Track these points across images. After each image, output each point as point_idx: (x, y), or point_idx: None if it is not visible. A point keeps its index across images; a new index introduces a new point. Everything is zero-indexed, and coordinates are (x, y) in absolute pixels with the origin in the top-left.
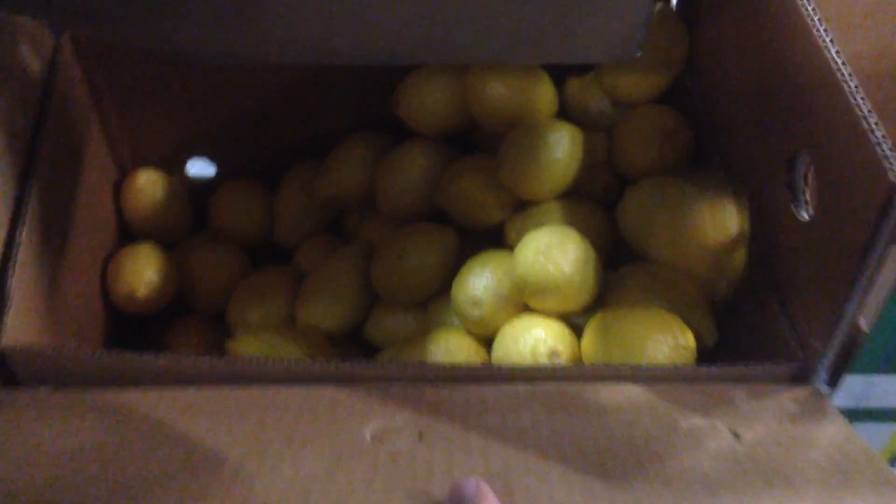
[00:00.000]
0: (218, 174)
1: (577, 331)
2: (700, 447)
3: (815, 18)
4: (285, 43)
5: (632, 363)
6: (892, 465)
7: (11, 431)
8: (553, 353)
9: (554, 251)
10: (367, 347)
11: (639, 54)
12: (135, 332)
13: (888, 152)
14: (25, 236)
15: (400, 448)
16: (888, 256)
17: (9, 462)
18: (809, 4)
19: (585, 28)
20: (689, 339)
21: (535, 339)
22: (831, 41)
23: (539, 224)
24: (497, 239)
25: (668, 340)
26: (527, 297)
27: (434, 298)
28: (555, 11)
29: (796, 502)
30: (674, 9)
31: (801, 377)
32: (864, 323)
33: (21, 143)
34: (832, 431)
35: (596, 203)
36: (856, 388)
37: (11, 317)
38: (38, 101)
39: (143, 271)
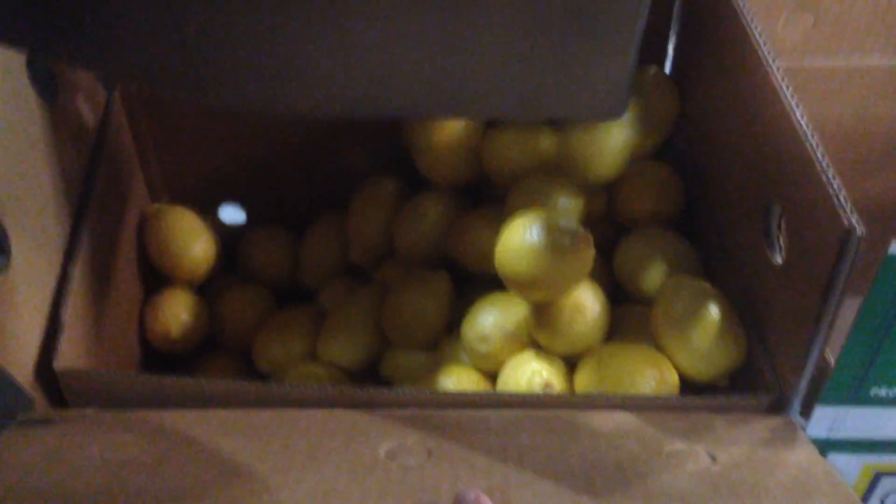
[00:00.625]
0: (248, 220)
1: (571, 366)
2: (680, 468)
3: (784, 86)
4: (313, 98)
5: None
6: (869, 493)
7: (65, 443)
8: (547, 385)
9: (583, 307)
10: (382, 383)
11: (622, 116)
12: (166, 364)
13: (843, 202)
14: (78, 270)
15: (410, 464)
16: (846, 295)
17: (64, 469)
18: (778, 73)
19: (577, 89)
20: (673, 377)
21: (531, 371)
22: (797, 105)
23: None
24: (501, 282)
25: (655, 376)
26: (545, 341)
27: (445, 337)
28: (550, 72)
29: None
30: (667, 73)
31: (777, 408)
32: (830, 356)
33: (75, 186)
34: (800, 455)
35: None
36: (827, 419)
37: (64, 341)
38: (91, 149)
39: (179, 314)
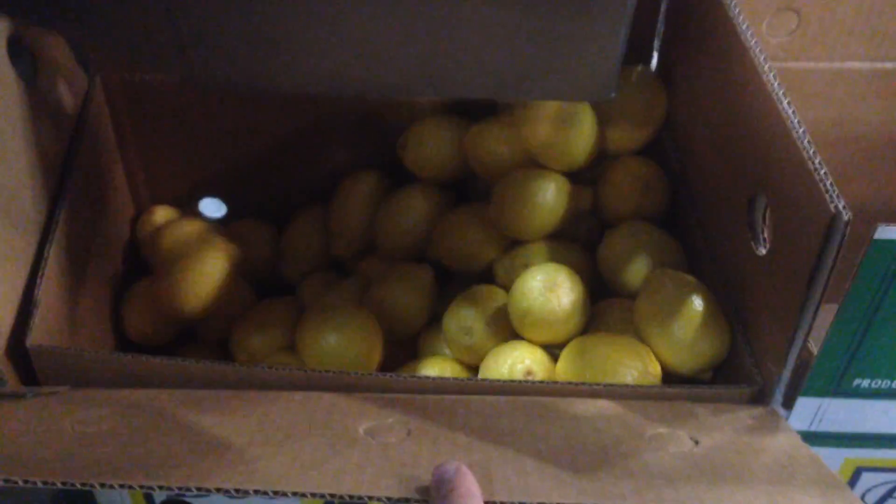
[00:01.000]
0: (229, 213)
1: (554, 356)
2: (663, 450)
3: (771, 75)
4: (301, 74)
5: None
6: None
7: (35, 416)
8: (528, 373)
9: (557, 288)
10: None
11: (613, 95)
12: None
13: (829, 187)
14: (53, 253)
15: (390, 441)
16: (830, 284)
17: (33, 441)
18: (766, 64)
19: (566, 70)
20: (656, 368)
21: (513, 358)
22: (783, 94)
23: (525, 263)
24: (482, 275)
25: (637, 366)
26: (524, 329)
27: (424, 330)
28: (539, 53)
29: (745, 492)
30: (654, 71)
31: (759, 399)
32: (812, 346)
33: (53, 171)
34: (783, 440)
35: (579, 244)
36: (809, 411)
37: (37, 320)
38: (71, 135)
39: (153, 312)
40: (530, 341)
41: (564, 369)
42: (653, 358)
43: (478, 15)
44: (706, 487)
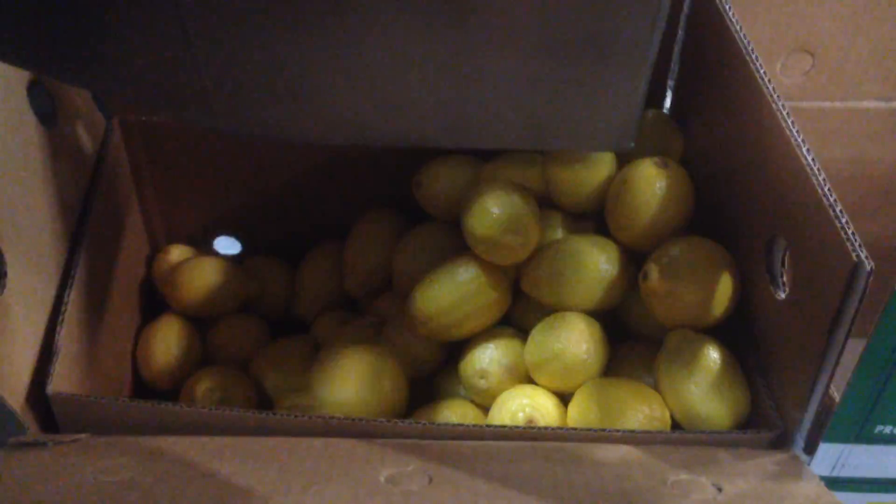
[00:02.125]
0: (243, 251)
1: (565, 400)
2: (686, 497)
3: (790, 121)
4: (322, 124)
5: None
6: None
7: (57, 465)
8: (530, 421)
9: (575, 336)
10: None
11: (632, 146)
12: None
13: (851, 235)
14: (73, 296)
15: (412, 489)
16: (853, 331)
17: (55, 490)
18: (784, 110)
19: (586, 120)
20: (664, 413)
21: (516, 406)
22: (802, 141)
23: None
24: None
25: (643, 410)
26: (538, 376)
27: (440, 371)
28: (559, 104)
29: None
30: (666, 112)
31: (780, 444)
32: (835, 392)
33: (72, 212)
34: (807, 488)
35: None
36: (832, 457)
37: (57, 367)
38: (90, 178)
39: (171, 350)
40: (544, 387)
41: (574, 413)
42: (661, 403)
43: (498, 66)
44: None
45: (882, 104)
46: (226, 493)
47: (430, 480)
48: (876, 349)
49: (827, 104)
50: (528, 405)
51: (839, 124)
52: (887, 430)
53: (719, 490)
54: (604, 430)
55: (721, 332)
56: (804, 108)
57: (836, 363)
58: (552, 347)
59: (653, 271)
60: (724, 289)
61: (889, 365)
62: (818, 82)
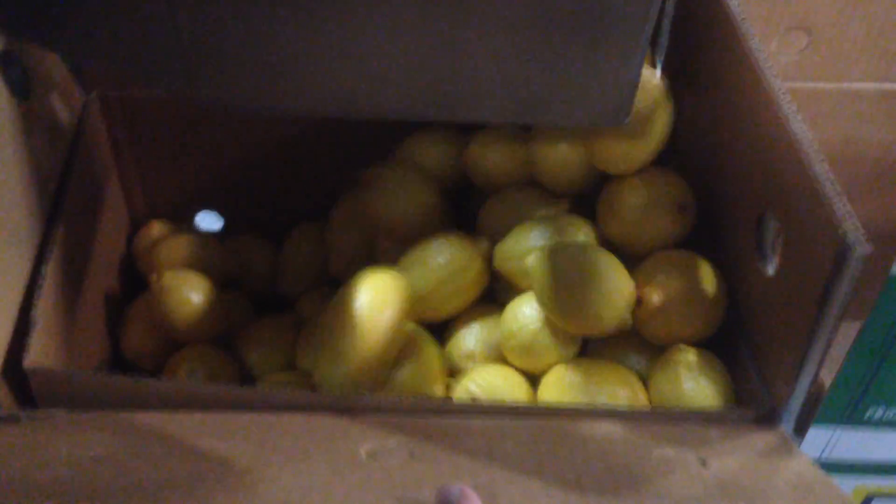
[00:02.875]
0: (226, 228)
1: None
2: (672, 471)
3: (781, 93)
4: (309, 96)
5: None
6: None
7: (33, 440)
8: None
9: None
10: None
11: (627, 121)
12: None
13: (842, 210)
14: (49, 271)
15: (392, 464)
16: (844, 312)
17: (31, 464)
18: (776, 83)
19: (580, 94)
20: (645, 395)
21: (463, 382)
22: (794, 113)
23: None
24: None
25: (625, 394)
26: (509, 354)
27: None
28: (554, 78)
29: None
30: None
31: (768, 421)
32: (826, 374)
33: (49, 188)
34: (796, 464)
35: None
36: (821, 440)
37: (34, 340)
38: (67, 151)
39: (152, 331)
40: (515, 366)
41: (547, 393)
42: (641, 385)
43: (489, 40)
44: None
45: (874, 86)
46: (203, 467)
47: (411, 455)
48: (870, 333)
49: (820, 85)
50: (471, 383)
51: (831, 106)
52: (878, 413)
53: (704, 464)
54: (594, 408)
55: None
56: (797, 88)
57: (828, 344)
58: (510, 327)
59: (652, 294)
60: (718, 309)
61: (883, 349)
62: (814, 60)
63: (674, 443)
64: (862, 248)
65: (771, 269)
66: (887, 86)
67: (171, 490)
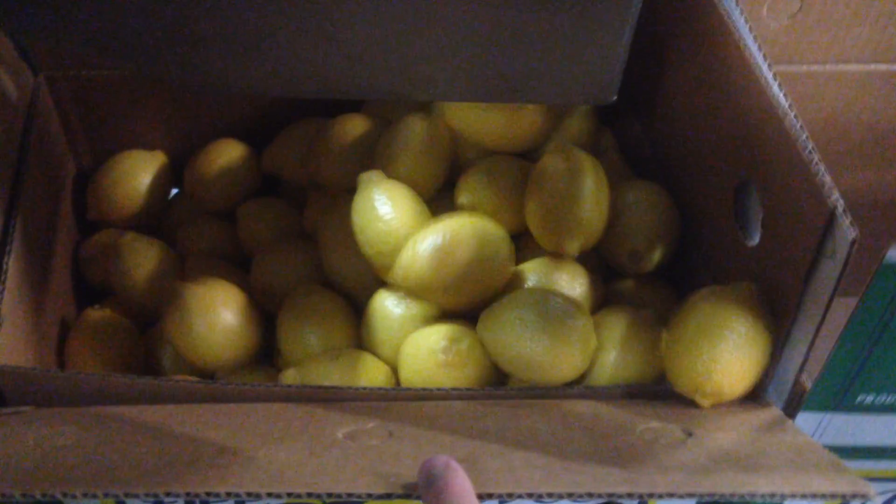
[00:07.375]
0: None
1: None
2: (656, 442)
3: (760, 59)
4: (288, 78)
5: None
6: None
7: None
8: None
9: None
10: None
11: (614, 98)
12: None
13: (825, 179)
14: (12, 264)
15: (371, 443)
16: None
17: None
18: (754, 45)
19: (566, 73)
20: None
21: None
22: (774, 77)
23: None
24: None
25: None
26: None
27: None
28: (538, 55)
29: (753, 477)
30: None
31: (752, 395)
32: (806, 380)
33: (5, 177)
34: (790, 436)
35: None
36: (811, 425)
37: (2, 338)
38: (20, 138)
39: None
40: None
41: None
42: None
43: (470, 15)
44: (702, 475)
45: (859, 67)
46: (173, 451)
47: (390, 435)
48: (862, 318)
49: (804, 68)
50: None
51: (815, 88)
52: (869, 399)
53: (690, 434)
54: (587, 386)
55: (690, 280)
56: (781, 71)
57: (823, 319)
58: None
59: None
60: None
61: (875, 334)
62: (805, 24)
63: (660, 418)
64: (853, 233)
65: (751, 241)
66: (871, 67)
67: (141, 474)
